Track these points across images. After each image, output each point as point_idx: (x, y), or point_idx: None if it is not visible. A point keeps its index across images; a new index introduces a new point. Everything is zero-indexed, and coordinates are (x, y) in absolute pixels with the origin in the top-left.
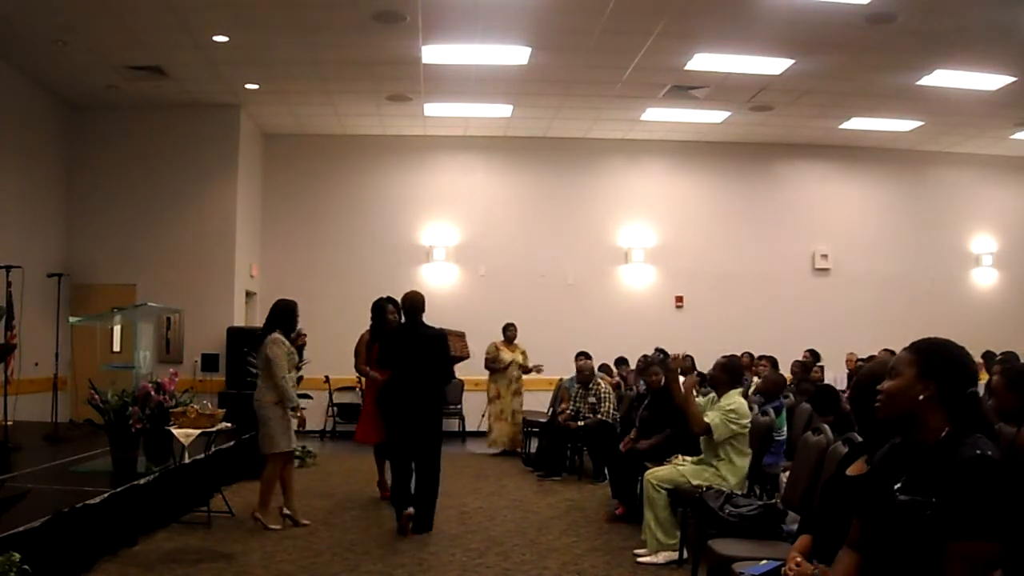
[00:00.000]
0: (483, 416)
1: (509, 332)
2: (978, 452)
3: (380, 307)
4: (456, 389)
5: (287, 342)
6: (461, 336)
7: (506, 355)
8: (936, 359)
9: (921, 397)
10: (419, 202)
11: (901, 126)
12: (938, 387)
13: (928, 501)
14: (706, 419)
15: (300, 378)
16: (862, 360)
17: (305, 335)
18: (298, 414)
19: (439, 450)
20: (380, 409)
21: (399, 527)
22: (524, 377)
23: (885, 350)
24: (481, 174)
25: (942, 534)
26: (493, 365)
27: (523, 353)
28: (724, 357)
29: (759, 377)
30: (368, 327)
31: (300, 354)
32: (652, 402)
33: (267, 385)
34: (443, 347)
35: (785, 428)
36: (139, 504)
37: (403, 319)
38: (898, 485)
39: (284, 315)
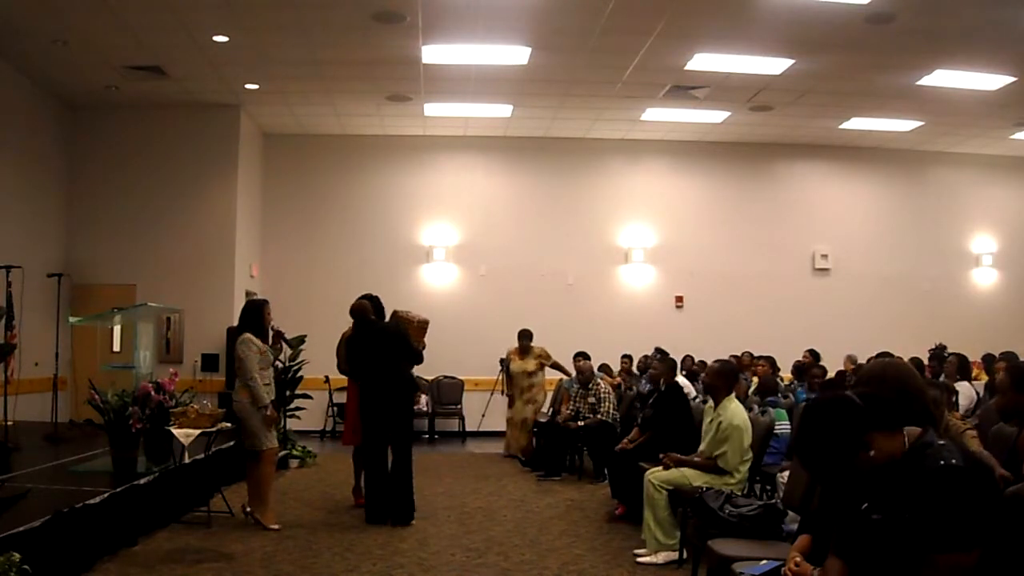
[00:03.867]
0: (483, 416)
1: (522, 342)
2: (942, 463)
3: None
4: (456, 389)
5: (257, 341)
6: (422, 325)
7: (514, 365)
8: (851, 420)
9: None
10: (419, 202)
11: (901, 126)
12: (883, 428)
13: (901, 517)
14: (716, 456)
15: (286, 378)
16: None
17: (281, 331)
18: (268, 412)
19: (411, 441)
20: (362, 411)
21: (368, 516)
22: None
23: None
24: (481, 174)
25: (918, 548)
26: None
27: (538, 356)
28: (717, 362)
29: (758, 377)
30: (350, 325)
31: (285, 350)
32: (656, 401)
33: (240, 385)
34: (401, 338)
35: (788, 423)
36: (139, 504)
37: (357, 324)
38: (866, 504)
39: (250, 315)
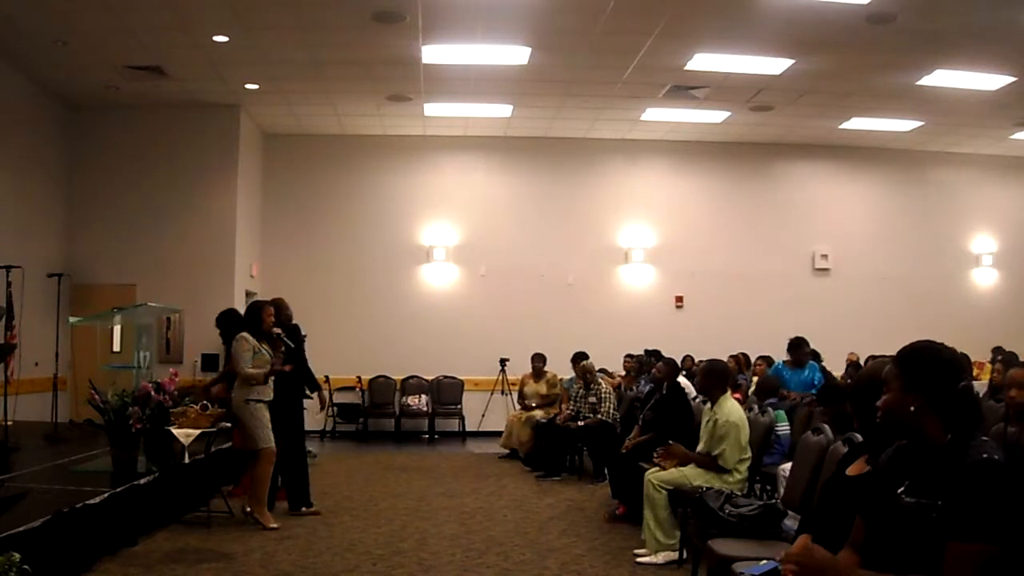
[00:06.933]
0: (483, 416)
1: (534, 364)
2: (985, 456)
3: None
4: (456, 389)
5: (252, 339)
6: None
7: (528, 388)
8: (917, 368)
9: (912, 408)
10: (419, 202)
11: (901, 126)
12: (926, 396)
13: (933, 503)
14: (715, 455)
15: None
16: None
17: (282, 335)
18: (260, 407)
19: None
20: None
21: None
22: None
23: (871, 357)
24: (481, 174)
25: (945, 535)
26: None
27: (548, 382)
28: (705, 362)
29: (757, 376)
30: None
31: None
32: (656, 403)
33: (238, 384)
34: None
35: (787, 424)
36: (139, 504)
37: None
38: (901, 489)
39: (248, 315)
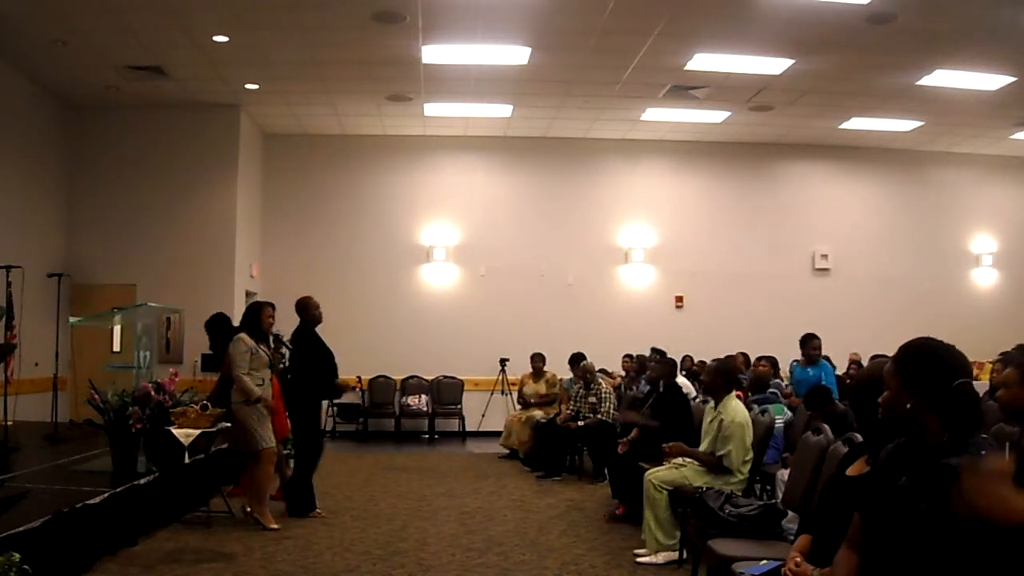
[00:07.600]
0: (483, 416)
1: (534, 364)
2: (983, 454)
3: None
4: (456, 389)
5: (249, 341)
6: None
7: (528, 388)
8: (913, 366)
9: (908, 406)
10: (419, 202)
11: (901, 126)
12: (923, 392)
13: (935, 500)
14: (720, 455)
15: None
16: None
17: (280, 336)
18: (260, 406)
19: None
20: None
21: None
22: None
23: (875, 356)
24: (481, 174)
25: (941, 530)
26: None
27: (547, 382)
28: (715, 361)
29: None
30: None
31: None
32: (655, 402)
33: (235, 385)
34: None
35: (783, 418)
36: (139, 504)
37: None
38: (903, 480)
39: (247, 316)
